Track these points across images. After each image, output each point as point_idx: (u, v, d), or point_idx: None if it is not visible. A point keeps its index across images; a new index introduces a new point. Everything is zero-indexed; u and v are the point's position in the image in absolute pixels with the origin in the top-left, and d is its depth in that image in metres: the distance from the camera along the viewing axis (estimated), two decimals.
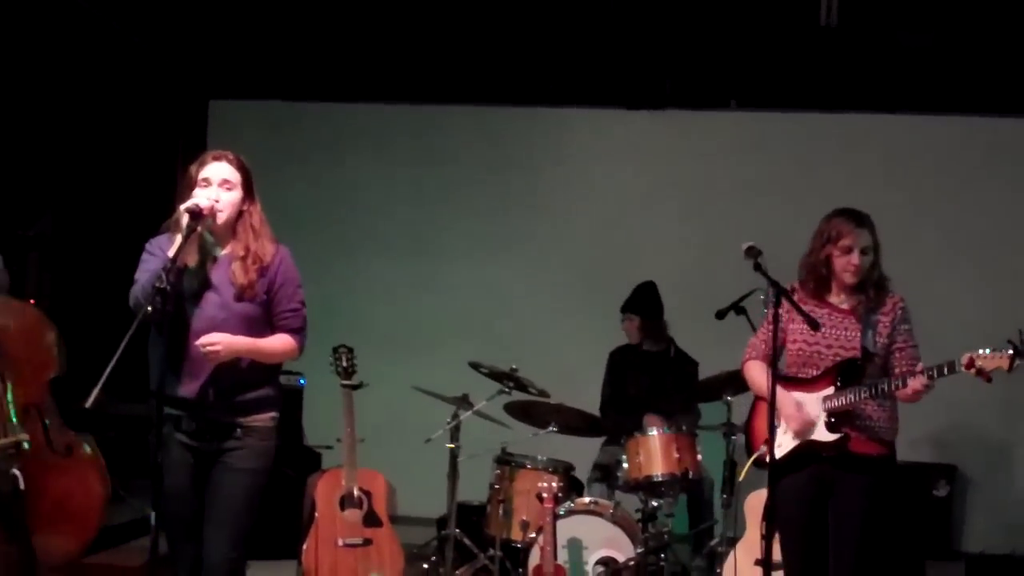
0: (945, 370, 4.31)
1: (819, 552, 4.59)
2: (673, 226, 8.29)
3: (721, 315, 4.89)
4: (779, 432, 4.65)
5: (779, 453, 4.62)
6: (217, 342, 4.10)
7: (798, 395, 4.60)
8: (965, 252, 7.98)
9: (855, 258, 4.56)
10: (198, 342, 4.09)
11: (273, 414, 4.33)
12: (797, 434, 4.58)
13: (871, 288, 4.60)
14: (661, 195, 8.35)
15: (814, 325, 4.48)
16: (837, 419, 4.54)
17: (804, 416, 4.57)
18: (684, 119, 8.34)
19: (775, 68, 8.02)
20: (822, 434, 4.56)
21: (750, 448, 4.81)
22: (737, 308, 4.99)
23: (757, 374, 4.74)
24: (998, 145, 7.99)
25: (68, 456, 5.21)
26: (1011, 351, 4.18)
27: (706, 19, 7.81)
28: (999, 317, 7.55)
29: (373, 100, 8.60)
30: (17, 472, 4.92)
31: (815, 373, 4.62)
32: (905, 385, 4.40)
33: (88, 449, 5.29)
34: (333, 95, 8.58)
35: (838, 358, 4.57)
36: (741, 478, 4.92)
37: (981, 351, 4.23)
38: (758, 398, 4.79)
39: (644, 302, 7.06)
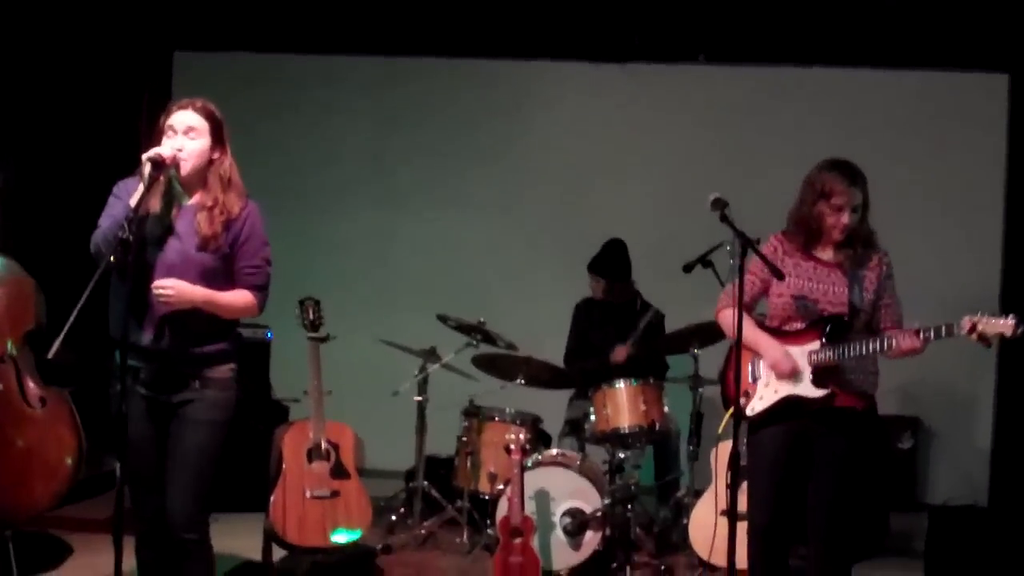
0: (943, 332, 4.32)
1: (788, 505, 4.63)
2: (640, 180, 8.28)
3: (688, 268, 4.87)
4: (760, 384, 4.66)
5: (760, 406, 4.64)
6: (171, 287, 4.06)
7: (785, 347, 4.61)
8: (936, 207, 8.01)
9: (845, 217, 4.54)
10: (153, 285, 4.06)
11: (231, 366, 4.31)
12: (780, 383, 4.58)
13: (859, 244, 4.60)
14: (628, 148, 8.34)
15: (778, 274, 4.48)
16: (822, 374, 4.56)
17: (789, 363, 4.57)
18: (652, 73, 8.31)
19: (744, 22, 7.99)
20: (808, 389, 4.58)
21: (726, 398, 4.81)
22: (704, 261, 4.97)
23: (732, 321, 4.65)
24: (970, 100, 8.00)
25: (42, 408, 5.19)
26: (1012, 320, 4.20)
27: None
28: (964, 275, 7.67)
29: (341, 52, 8.53)
30: None
31: (800, 326, 4.63)
32: (896, 345, 4.41)
33: (62, 402, 5.28)
34: (300, 47, 8.50)
35: (825, 313, 4.58)
36: (720, 431, 4.92)
37: (982, 316, 4.25)
38: (734, 346, 4.77)
39: (612, 264, 7.00)
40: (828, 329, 4.56)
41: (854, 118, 8.01)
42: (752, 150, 8.05)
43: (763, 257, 4.50)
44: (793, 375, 4.59)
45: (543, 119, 8.44)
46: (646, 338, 6.81)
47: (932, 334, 4.36)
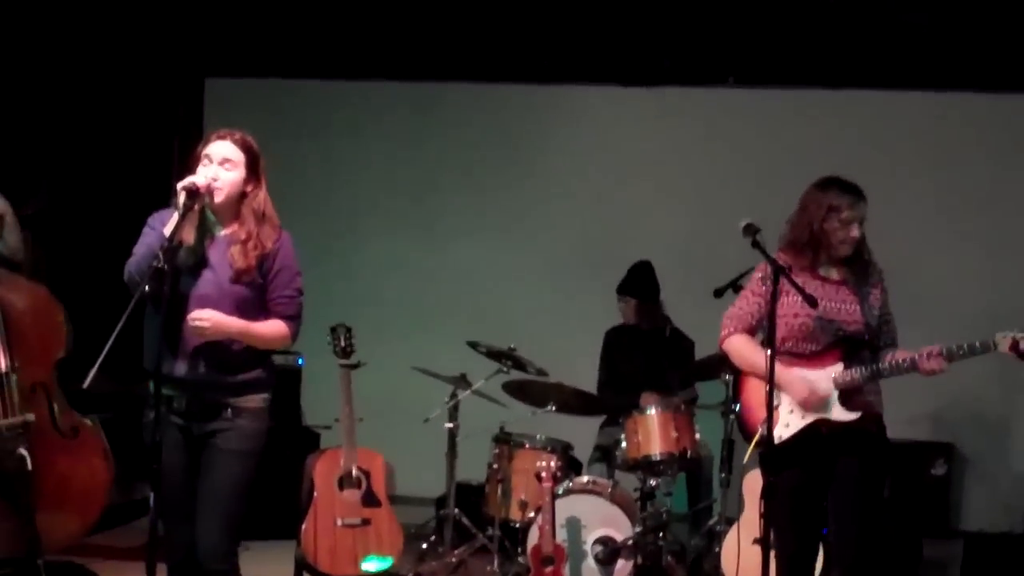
0: (979, 349, 4.29)
1: (813, 532, 4.59)
2: (671, 204, 8.26)
3: (719, 293, 4.87)
4: (783, 411, 4.57)
5: (787, 433, 4.55)
6: (207, 319, 4.07)
7: (803, 372, 4.52)
8: (962, 230, 7.96)
9: (855, 230, 4.50)
10: (189, 316, 4.07)
11: (265, 395, 4.31)
12: (809, 411, 4.52)
13: (861, 259, 4.57)
14: (659, 172, 8.32)
15: (812, 303, 4.41)
16: (849, 395, 4.49)
17: (817, 394, 4.50)
18: (682, 96, 8.30)
19: (773, 45, 7.98)
20: (839, 413, 4.50)
21: (743, 427, 4.72)
22: (735, 286, 4.96)
23: (745, 348, 4.62)
24: (997, 122, 7.95)
25: (74, 437, 5.22)
26: None
27: None
28: (993, 296, 7.60)
29: (370, 78, 8.56)
30: (25, 452, 4.95)
31: (815, 348, 4.55)
32: (920, 364, 4.37)
33: (93, 431, 5.31)
34: (329, 73, 8.54)
35: (840, 332, 4.53)
36: (746, 460, 4.87)
37: (1020, 332, 4.22)
38: (746, 374, 4.69)
39: (640, 284, 7.02)
40: (847, 350, 4.51)
41: (883, 140, 7.98)
42: (782, 173, 7.95)
43: (797, 285, 4.41)
44: (819, 405, 4.52)
45: (572, 143, 8.44)
46: (675, 368, 6.79)
47: (966, 350, 4.31)
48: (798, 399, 4.53)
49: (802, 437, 4.54)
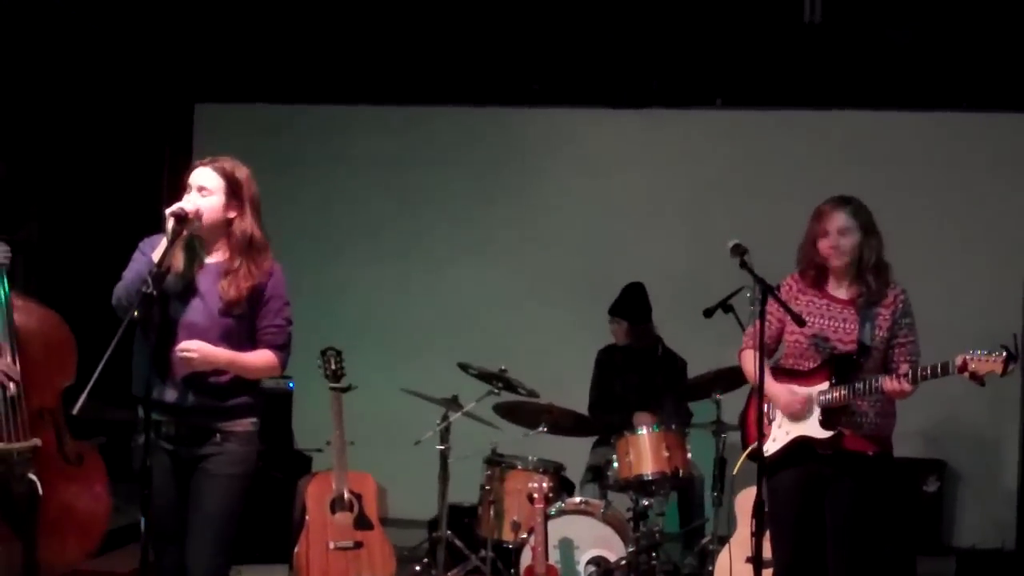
0: (939, 371, 4.31)
1: (810, 549, 4.60)
2: (660, 224, 8.29)
3: (709, 313, 4.87)
4: (775, 426, 4.66)
5: (773, 448, 4.62)
6: (195, 350, 4.08)
7: (796, 387, 4.60)
8: (950, 248, 7.99)
9: (832, 239, 4.56)
10: (177, 347, 4.08)
11: (253, 419, 4.31)
12: (792, 423, 4.58)
13: (869, 276, 4.58)
14: (647, 193, 8.35)
15: (799, 322, 4.49)
16: (831, 415, 4.54)
17: (801, 405, 4.56)
18: (670, 118, 8.34)
19: (760, 66, 8.02)
20: (815, 430, 4.56)
21: (745, 441, 4.81)
22: (725, 306, 4.97)
23: (749, 364, 4.72)
24: (982, 140, 7.99)
25: (79, 464, 5.23)
26: (1004, 355, 4.18)
27: (691, 17, 7.81)
28: (985, 315, 7.62)
29: (360, 102, 8.58)
30: (34, 477, 4.96)
31: (811, 366, 4.62)
32: (881, 388, 4.41)
33: (96, 458, 5.32)
34: (319, 98, 8.56)
35: (835, 351, 4.57)
36: (735, 471, 4.93)
37: (974, 353, 4.22)
38: (754, 389, 4.77)
39: (632, 305, 7.04)
40: (836, 369, 4.54)
41: (873, 160, 8.00)
42: (770, 193, 8.04)
43: (783, 304, 4.50)
44: (804, 417, 4.58)
45: (562, 165, 8.47)
46: (667, 388, 6.81)
47: (929, 372, 4.33)
48: (781, 407, 4.61)
49: (792, 451, 4.58)
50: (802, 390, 4.59)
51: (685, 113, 8.33)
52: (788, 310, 4.48)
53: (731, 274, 4.65)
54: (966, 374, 4.25)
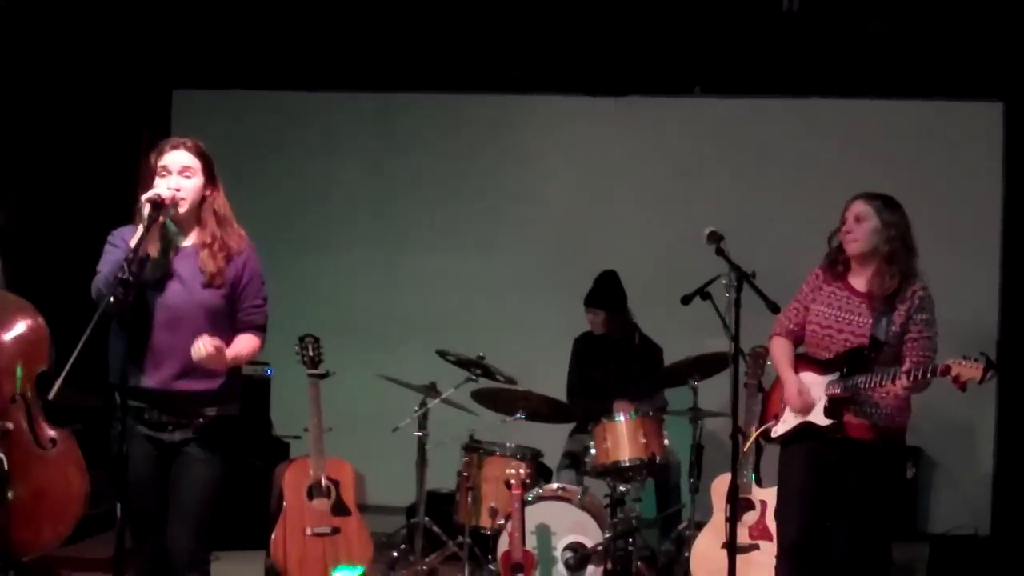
0: (929, 373, 4.40)
1: (816, 527, 4.72)
2: (637, 212, 8.30)
3: (686, 301, 4.91)
4: (787, 409, 4.81)
5: (782, 429, 4.79)
6: (217, 346, 4.06)
7: (808, 376, 4.72)
8: (932, 236, 7.97)
9: (848, 225, 4.66)
10: (198, 341, 4.05)
11: (233, 405, 4.33)
12: (798, 414, 4.72)
13: (885, 268, 4.63)
14: (625, 181, 8.35)
15: (774, 308, 4.60)
16: (835, 405, 4.63)
17: (806, 398, 4.69)
18: (648, 105, 8.33)
19: (739, 54, 8.03)
20: (819, 417, 4.67)
21: (761, 419, 5.04)
22: (702, 293, 5.02)
23: (774, 350, 4.91)
24: (961, 129, 8.02)
25: (52, 449, 5.23)
26: (984, 363, 4.26)
27: (670, 5, 7.82)
28: (962, 305, 7.64)
29: (338, 89, 8.55)
30: (2, 456, 4.97)
31: (828, 356, 4.72)
32: (894, 383, 4.48)
33: (70, 443, 5.33)
34: (296, 84, 8.53)
35: (848, 343, 4.65)
36: (745, 448, 5.07)
37: (959, 360, 4.31)
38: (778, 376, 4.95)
39: (607, 295, 7.05)
40: (850, 361, 4.63)
41: (850, 148, 8.02)
42: (748, 181, 8.07)
43: (759, 290, 4.58)
44: (807, 408, 4.69)
45: (540, 153, 8.47)
46: (644, 375, 6.84)
47: (920, 374, 4.41)
48: (786, 397, 4.76)
49: (799, 433, 4.73)
50: (815, 380, 4.70)
51: (663, 101, 8.33)
52: (762, 295, 4.56)
53: (709, 261, 4.68)
54: (949, 377, 4.33)
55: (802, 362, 4.81)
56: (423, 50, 8.24)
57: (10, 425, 5.10)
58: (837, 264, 4.76)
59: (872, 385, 4.53)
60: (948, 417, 7.91)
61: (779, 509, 4.82)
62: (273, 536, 5.84)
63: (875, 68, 7.88)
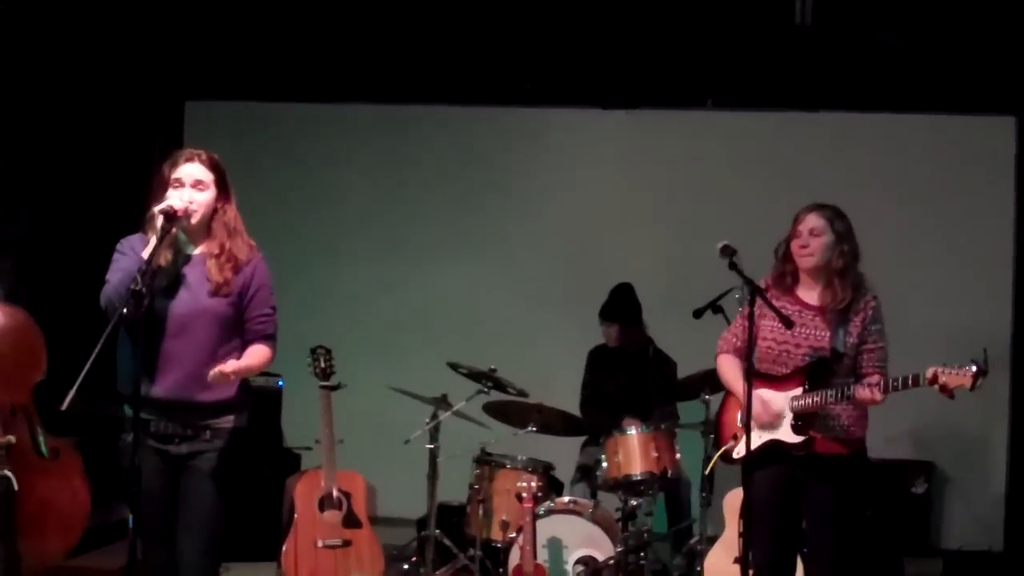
0: (909, 382, 4.32)
1: (789, 548, 4.65)
2: (649, 225, 8.29)
3: (698, 314, 4.91)
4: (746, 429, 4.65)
5: (744, 450, 4.61)
6: (232, 370, 4.08)
7: (766, 392, 4.60)
8: (946, 249, 8.01)
9: (803, 239, 4.59)
10: (216, 369, 4.06)
11: (243, 416, 4.32)
12: (762, 430, 4.59)
13: (837, 281, 4.58)
14: (637, 194, 8.35)
15: (787, 323, 4.50)
16: (803, 420, 4.56)
17: (770, 413, 4.58)
18: (660, 118, 8.34)
19: (751, 67, 8.03)
20: (787, 435, 4.58)
21: (718, 442, 4.86)
22: (714, 307, 5.01)
23: (726, 368, 4.80)
24: (978, 142, 8.01)
25: (54, 460, 5.22)
26: (974, 369, 4.19)
27: (682, 18, 7.82)
28: (974, 318, 7.65)
29: (348, 100, 8.57)
30: (9, 473, 4.95)
31: (785, 371, 4.63)
32: (855, 396, 4.42)
33: (72, 453, 5.31)
34: (308, 96, 8.55)
35: (807, 357, 4.58)
36: (707, 471, 4.98)
37: (945, 368, 4.23)
38: (728, 392, 4.83)
39: (623, 308, 7.04)
40: (810, 375, 4.56)
41: (863, 162, 8.03)
42: (760, 194, 8.05)
43: (772, 306, 4.51)
44: (775, 422, 4.59)
45: (551, 165, 8.47)
46: (657, 389, 6.82)
47: (900, 384, 4.34)
48: (753, 414, 4.57)
49: (765, 453, 4.59)
50: (775, 396, 4.60)
51: (675, 114, 8.34)
52: (775, 311, 4.49)
53: (721, 275, 4.66)
54: (936, 387, 4.25)
55: (755, 379, 4.60)
56: (435, 62, 8.26)
57: (12, 439, 5.07)
58: (785, 276, 4.69)
59: (840, 398, 4.46)
60: (961, 432, 7.89)
61: (749, 532, 4.63)
62: (284, 548, 5.84)
63: (888, 81, 7.88)
